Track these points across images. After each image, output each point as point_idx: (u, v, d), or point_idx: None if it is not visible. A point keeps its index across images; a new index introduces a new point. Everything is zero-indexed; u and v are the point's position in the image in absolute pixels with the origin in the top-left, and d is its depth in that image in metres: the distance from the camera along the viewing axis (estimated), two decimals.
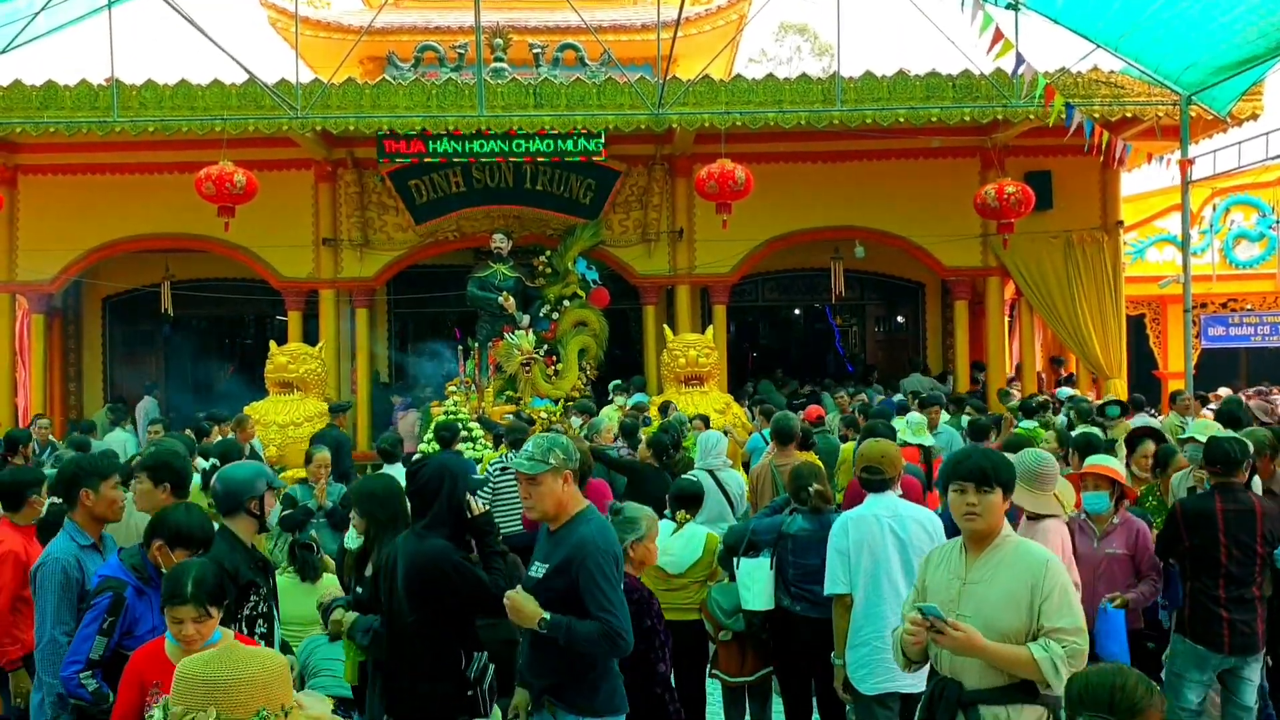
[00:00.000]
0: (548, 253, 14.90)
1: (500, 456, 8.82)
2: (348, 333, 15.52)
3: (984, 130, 14.17)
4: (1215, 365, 17.99)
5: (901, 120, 12.92)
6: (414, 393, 15.48)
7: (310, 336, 14.70)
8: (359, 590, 4.80)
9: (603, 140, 13.34)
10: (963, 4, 9.66)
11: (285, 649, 5.00)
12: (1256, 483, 6.21)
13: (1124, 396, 13.42)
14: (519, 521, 7.31)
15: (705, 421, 10.67)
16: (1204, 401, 12.34)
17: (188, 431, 10.86)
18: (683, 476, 7.13)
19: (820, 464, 7.42)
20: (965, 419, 11.26)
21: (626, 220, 15.21)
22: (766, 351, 22.50)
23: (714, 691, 6.25)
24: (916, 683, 4.43)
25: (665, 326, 14.34)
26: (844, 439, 10.10)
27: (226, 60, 11.59)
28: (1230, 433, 6.54)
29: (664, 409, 11.47)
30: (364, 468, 11.95)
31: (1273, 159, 12.48)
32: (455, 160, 13.75)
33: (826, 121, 12.97)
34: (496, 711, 4.46)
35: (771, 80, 13.20)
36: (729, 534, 6.17)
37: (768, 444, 8.84)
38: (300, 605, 5.61)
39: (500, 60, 14.61)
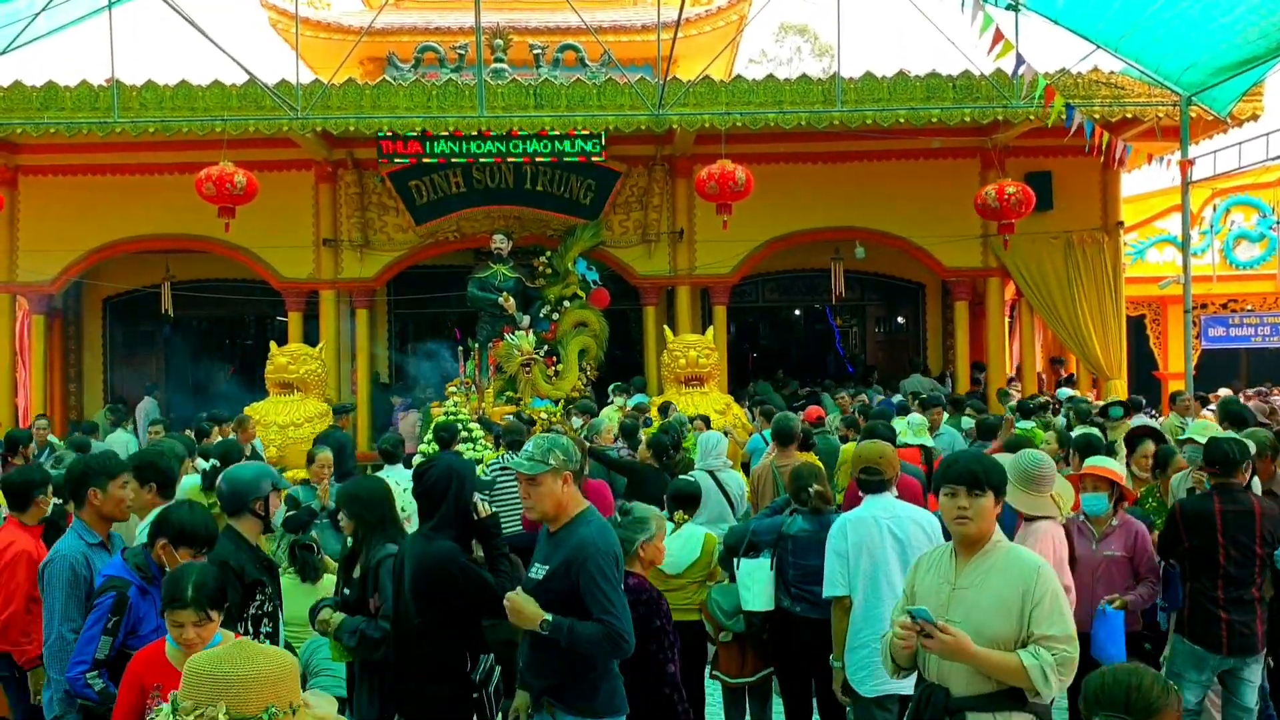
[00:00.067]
0: (548, 253, 14.90)
1: (498, 458, 8.82)
2: (348, 333, 15.53)
3: (984, 131, 14.17)
4: (1215, 366, 17.99)
5: (902, 121, 12.93)
6: (413, 393, 15.48)
7: (310, 337, 14.70)
8: (346, 591, 4.81)
9: (603, 141, 13.34)
10: (963, 5, 9.66)
11: (288, 649, 5.00)
12: (1256, 484, 6.21)
13: (1124, 397, 13.42)
14: (519, 522, 7.31)
15: (706, 422, 10.67)
16: (1204, 402, 12.34)
17: (188, 432, 10.86)
18: (681, 477, 7.12)
19: (820, 465, 7.42)
20: (965, 420, 11.27)
21: (627, 221, 15.21)
22: (767, 352, 22.50)
23: (714, 692, 6.25)
24: None
25: (665, 327, 14.35)
26: (844, 440, 10.09)
27: (227, 61, 11.61)
28: (1230, 433, 6.54)
29: (664, 410, 11.47)
30: (365, 468, 11.95)
31: (1273, 160, 12.50)
32: (454, 161, 13.75)
33: (827, 122, 12.97)
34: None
35: (772, 81, 13.21)
36: (729, 535, 6.17)
37: (768, 445, 8.84)
38: (301, 606, 5.60)
39: (500, 61, 14.62)
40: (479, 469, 9.44)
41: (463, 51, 14.91)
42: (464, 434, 10.08)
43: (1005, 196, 12.82)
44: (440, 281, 16.60)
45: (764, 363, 21.05)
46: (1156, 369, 18.21)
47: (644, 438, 9.23)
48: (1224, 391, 13.79)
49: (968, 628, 3.41)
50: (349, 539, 5.10)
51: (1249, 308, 17.68)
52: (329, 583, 5.85)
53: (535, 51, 15.15)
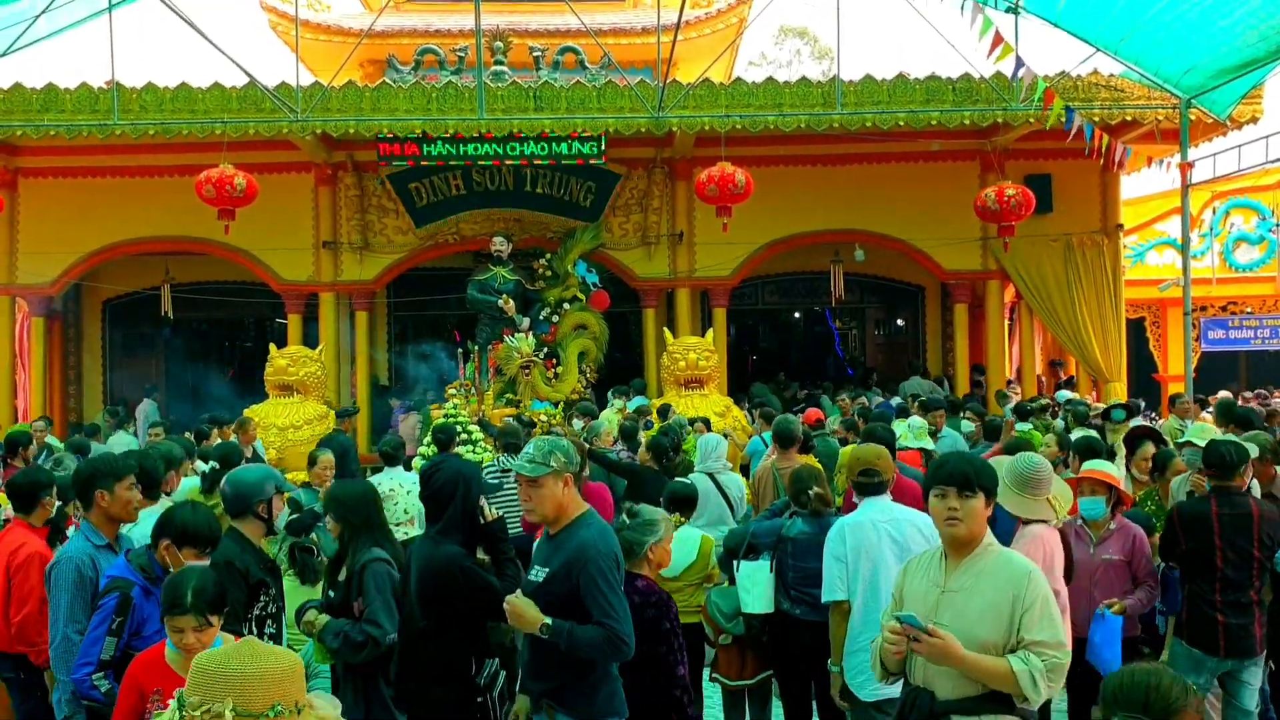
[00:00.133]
0: (548, 256, 14.90)
1: (494, 460, 8.81)
2: (347, 336, 15.52)
3: (984, 133, 14.18)
4: (1215, 368, 18.00)
5: (901, 123, 12.93)
6: (411, 396, 15.48)
7: (310, 340, 14.70)
8: (331, 594, 4.81)
9: (603, 144, 13.34)
10: (963, 7, 9.67)
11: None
12: (1256, 487, 6.22)
13: (1124, 400, 13.42)
14: (518, 523, 7.31)
15: (706, 424, 10.66)
16: (1203, 405, 12.35)
17: (187, 434, 10.86)
18: (677, 480, 7.12)
19: (820, 467, 7.41)
20: (965, 424, 11.26)
21: (626, 223, 15.22)
22: (766, 354, 22.50)
23: (713, 695, 6.25)
24: None
25: (665, 329, 14.35)
26: (843, 442, 10.09)
27: (227, 63, 11.62)
28: (1228, 436, 6.54)
29: (663, 412, 11.47)
30: (364, 471, 11.94)
31: (1272, 162, 12.51)
32: (452, 164, 13.75)
33: (826, 125, 12.97)
34: None
35: (771, 83, 13.21)
36: (729, 537, 6.16)
37: (767, 447, 8.84)
38: None
39: (500, 63, 14.62)
40: None
41: (462, 54, 14.91)
42: (463, 436, 10.08)
43: (1005, 199, 12.83)
44: (440, 284, 16.60)
45: (764, 365, 21.03)
46: (1156, 371, 18.22)
47: (644, 440, 9.22)
48: (1224, 394, 13.79)
49: (956, 631, 3.37)
50: (312, 542, 5.12)
51: (1248, 310, 17.70)
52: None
53: (535, 54, 15.16)
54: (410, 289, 16.93)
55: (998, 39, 9.97)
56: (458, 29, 18.39)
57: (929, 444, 8.84)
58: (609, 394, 13.96)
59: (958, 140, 14.25)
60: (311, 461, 8.04)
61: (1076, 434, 8.97)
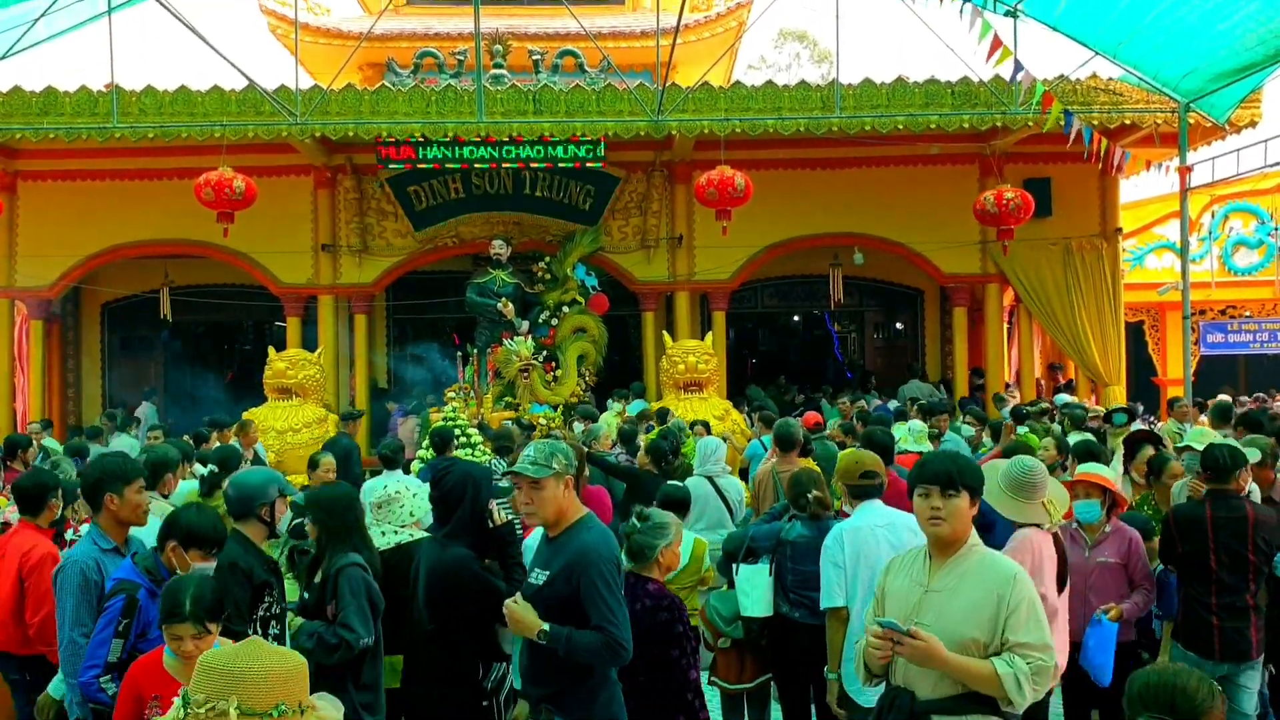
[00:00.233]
0: (547, 259, 14.91)
1: (489, 462, 8.80)
2: (346, 339, 15.52)
3: (983, 137, 14.18)
4: (1214, 372, 18.02)
5: (900, 127, 12.94)
6: (409, 399, 15.47)
7: (309, 343, 14.70)
8: (305, 596, 4.83)
9: (602, 148, 13.35)
10: (962, 11, 9.68)
11: None
12: (1256, 491, 6.21)
13: (1124, 403, 13.42)
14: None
15: (706, 427, 10.66)
16: (1202, 408, 12.35)
17: (186, 438, 10.85)
18: (670, 482, 7.12)
19: (819, 470, 7.41)
20: (966, 428, 11.26)
21: (626, 226, 15.22)
22: (766, 358, 22.49)
23: (712, 699, 6.24)
24: None
25: (664, 333, 14.36)
26: (841, 446, 10.08)
27: (226, 67, 11.62)
28: (1227, 439, 6.53)
29: (661, 415, 11.47)
30: (366, 474, 11.92)
31: (1271, 166, 12.51)
32: (448, 166, 13.76)
33: (825, 128, 12.97)
34: None
35: (771, 87, 13.22)
36: (728, 540, 6.16)
37: (766, 450, 8.84)
38: None
39: (500, 67, 14.62)
40: None
41: (462, 57, 14.93)
42: (461, 439, 10.07)
43: (1004, 202, 12.83)
44: (439, 287, 16.60)
45: (763, 368, 21.03)
46: (1155, 375, 18.24)
47: (643, 443, 9.22)
48: (1223, 397, 13.79)
49: (938, 631, 3.34)
50: (312, 544, 5.13)
51: (1247, 314, 17.72)
52: None
53: (534, 57, 15.17)
54: (409, 292, 16.93)
55: (997, 43, 9.99)
56: (457, 32, 18.41)
57: (928, 447, 8.83)
58: (610, 398, 13.97)
59: (957, 144, 14.26)
60: (314, 464, 8.03)
61: (1074, 437, 8.97)
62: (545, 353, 14.01)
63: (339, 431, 12.41)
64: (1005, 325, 16.20)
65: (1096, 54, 12.09)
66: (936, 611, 3.42)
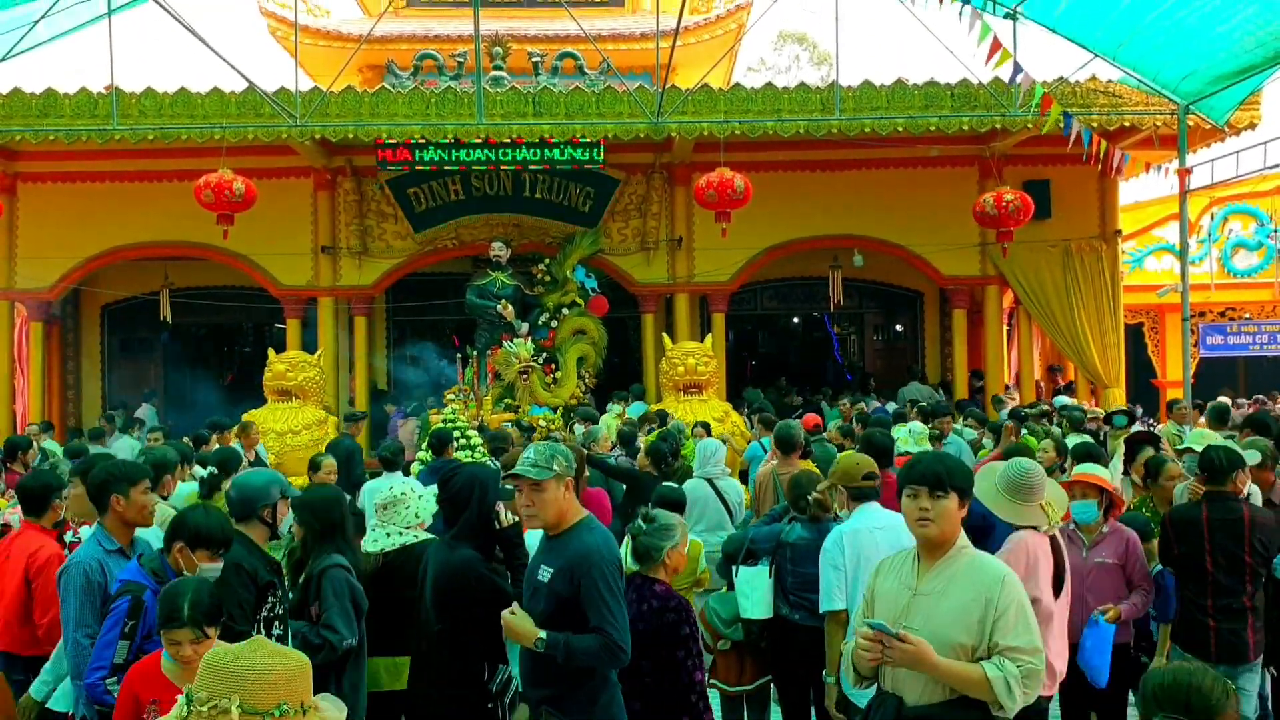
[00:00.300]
0: (546, 261, 14.92)
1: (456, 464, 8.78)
2: (346, 341, 15.52)
3: (982, 139, 14.20)
4: (1213, 374, 18.02)
5: (900, 129, 12.95)
6: (408, 401, 15.48)
7: (309, 345, 14.70)
8: (290, 596, 4.84)
9: (601, 150, 13.36)
10: (961, 13, 9.67)
11: None
12: (1257, 493, 6.21)
13: (1124, 405, 13.41)
14: None
15: (707, 429, 10.66)
16: (1202, 411, 12.34)
17: (186, 440, 10.85)
18: (665, 484, 7.12)
19: (819, 473, 7.41)
20: (968, 431, 11.26)
21: (625, 228, 15.24)
22: (765, 360, 22.50)
23: (712, 701, 6.23)
24: None
25: (664, 335, 14.36)
26: (841, 449, 10.08)
27: (226, 69, 11.63)
28: (1226, 441, 6.53)
29: (660, 418, 11.46)
30: (368, 475, 11.92)
31: (1270, 168, 12.48)
32: (446, 169, 13.77)
33: (825, 130, 12.99)
34: None
35: (770, 89, 13.23)
36: (728, 542, 6.16)
37: (766, 452, 8.83)
38: None
39: (499, 69, 14.64)
40: None
41: (462, 59, 14.94)
42: (461, 441, 10.07)
43: (1003, 205, 12.83)
44: (438, 289, 16.61)
45: (762, 370, 21.04)
46: (1155, 377, 18.24)
47: (643, 445, 9.22)
48: (1222, 399, 13.79)
49: (927, 634, 3.30)
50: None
51: (1247, 316, 17.72)
52: None
53: (534, 59, 15.19)
54: (409, 294, 16.94)
55: (996, 45, 9.97)
56: (457, 34, 18.42)
57: (927, 449, 8.82)
58: (609, 400, 13.97)
59: (956, 146, 14.27)
60: (315, 466, 8.02)
61: (1073, 439, 8.96)
62: (545, 355, 14.02)
63: (341, 433, 12.43)
64: (1005, 327, 16.21)
65: (1096, 56, 12.07)
66: (925, 615, 3.39)
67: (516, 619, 3.86)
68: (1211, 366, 17.77)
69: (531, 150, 13.31)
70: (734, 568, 5.78)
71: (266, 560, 4.53)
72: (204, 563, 4.13)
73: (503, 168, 13.86)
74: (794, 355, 22.52)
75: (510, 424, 11.74)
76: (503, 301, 14.06)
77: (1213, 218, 18.02)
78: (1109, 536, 5.53)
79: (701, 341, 13.92)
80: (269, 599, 4.42)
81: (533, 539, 4.40)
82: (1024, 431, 10.42)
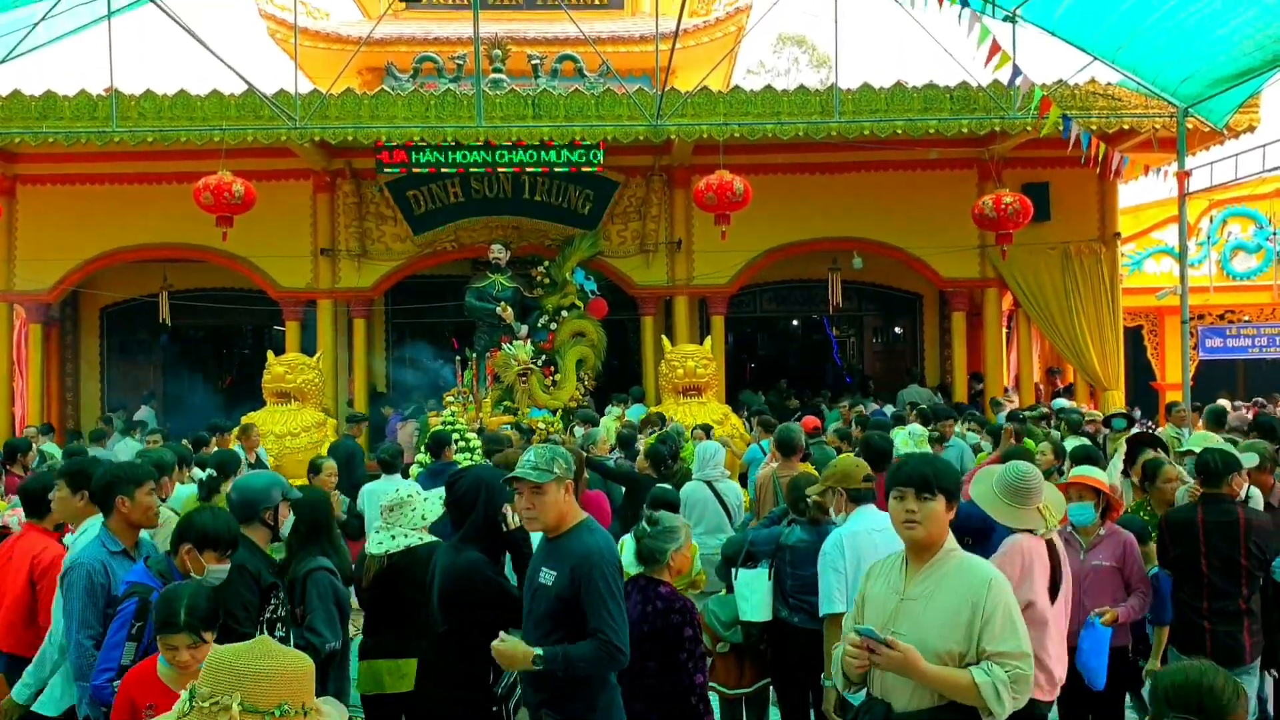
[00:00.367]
0: (546, 263, 14.91)
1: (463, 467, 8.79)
2: (345, 343, 15.52)
3: (981, 142, 14.21)
4: (1213, 376, 18.03)
5: (899, 132, 12.96)
6: (407, 403, 15.47)
7: (308, 347, 14.70)
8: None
9: (599, 153, 13.37)
10: (960, 16, 9.67)
11: None
12: (1259, 496, 6.20)
13: (1123, 408, 13.42)
14: None
15: (707, 431, 10.65)
16: (1200, 413, 12.33)
17: (185, 442, 10.85)
18: (659, 485, 7.12)
19: (818, 475, 7.40)
20: (970, 434, 11.25)
21: (625, 231, 15.24)
22: (764, 362, 22.50)
23: (711, 704, 6.23)
24: None
25: (663, 337, 14.36)
26: (838, 451, 10.07)
27: (225, 71, 11.62)
28: (1225, 444, 6.53)
29: (657, 421, 11.45)
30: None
31: (1270, 171, 12.50)
32: (444, 171, 13.77)
33: (824, 133, 13.00)
34: None
35: (769, 92, 13.24)
36: (727, 545, 6.16)
37: (765, 455, 8.83)
38: None
39: (499, 71, 14.64)
40: None
41: (461, 62, 14.94)
42: (460, 444, 10.07)
43: (1003, 207, 12.84)
44: (438, 291, 16.61)
45: (761, 373, 21.03)
46: (1154, 379, 18.23)
47: (642, 448, 9.21)
48: (1222, 402, 13.79)
49: (914, 640, 3.26)
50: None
51: (1246, 318, 17.72)
52: None
53: (533, 62, 15.19)
54: (408, 296, 16.94)
55: (995, 47, 9.96)
56: (456, 37, 18.42)
57: (928, 452, 8.81)
58: (609, 403, 13.96)
59: (955, 148, 14.28)
60: (316, 469, 8.02)
61: (1071, 442, 8.96)
62: (544, 357, 14.00)
63: (344, 434, 12.45)
64: (1004, 330, 16.22)
65: (1095, 59, 12.08)
66: (912, 619, 3.35)
67: (507, 644, 3.85)
68: (1211, 369, 17.78)
69: (527, 152, 13.32)
70: (733, 570, 5.78)
71: (269, 562, 4.54)
72: (211, 564, 4.13)
73: (501, 170, 13.87)
74: (793, 358, 22.52)
75: (509, 426, 11.74)
76: (502, 304, 14.05)
77: (1212, 220, 18.02)
78: (1106, 539, 5.52)
79: (701, 344, 13.93)
80: (271, 601, 4.43)
81: (535, 541, 4.41)
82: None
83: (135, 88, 12.91)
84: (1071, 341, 14.92)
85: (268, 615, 4.38)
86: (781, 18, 38.03)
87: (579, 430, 11.26)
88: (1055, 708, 5.58)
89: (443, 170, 13.74)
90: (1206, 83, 11.62)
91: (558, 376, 14.06)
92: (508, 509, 4.39)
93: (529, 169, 13.70)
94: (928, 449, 8.82)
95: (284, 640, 4.41)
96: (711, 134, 12.94)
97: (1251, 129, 12.88)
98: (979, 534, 5.81)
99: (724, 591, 5.94)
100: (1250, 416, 13.06)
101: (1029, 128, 12.78)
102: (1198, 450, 6.44)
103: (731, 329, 18.44)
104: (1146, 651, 5.85)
